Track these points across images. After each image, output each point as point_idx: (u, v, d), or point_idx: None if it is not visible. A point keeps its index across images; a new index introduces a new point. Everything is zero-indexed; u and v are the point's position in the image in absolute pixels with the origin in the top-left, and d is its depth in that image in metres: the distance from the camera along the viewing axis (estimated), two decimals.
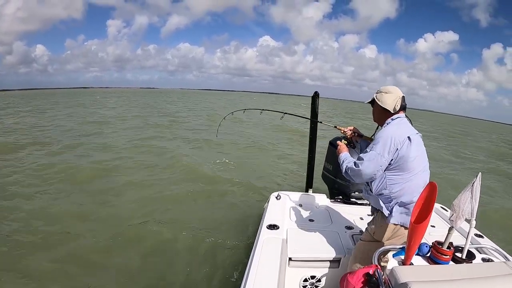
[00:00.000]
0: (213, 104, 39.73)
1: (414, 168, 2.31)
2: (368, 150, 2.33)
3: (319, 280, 2.93)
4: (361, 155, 2.35)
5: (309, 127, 4.54)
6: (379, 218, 2.50)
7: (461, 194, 2.02)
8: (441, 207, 3.99)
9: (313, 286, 2.96)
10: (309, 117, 4.32)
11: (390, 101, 2.43)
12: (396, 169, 2.32)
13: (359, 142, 2.93)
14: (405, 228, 2.37)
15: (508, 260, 2.45)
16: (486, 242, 3.11)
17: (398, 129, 2.34)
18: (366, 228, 2.67)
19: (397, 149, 2.26)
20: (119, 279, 3.95)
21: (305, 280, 2.93)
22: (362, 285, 1.95)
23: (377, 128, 2.63)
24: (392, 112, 2.42)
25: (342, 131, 2.99)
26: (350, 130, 2.96)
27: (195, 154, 10.77)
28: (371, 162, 2.27)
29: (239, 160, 10.19)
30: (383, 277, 1.91)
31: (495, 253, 2.64)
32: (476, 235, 3.26)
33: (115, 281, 3.90)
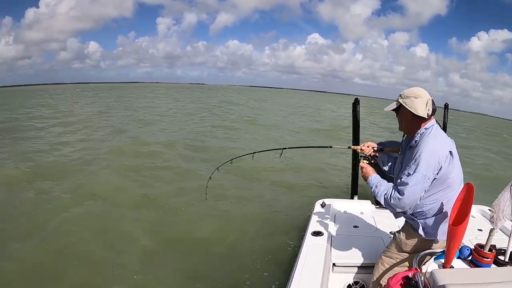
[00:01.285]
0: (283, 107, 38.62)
1: (452, 183, 2.14)
2: (410, 172, 2.04)
3: (362, 286, 2.94)
4: (404, 179, 2.05)
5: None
6: (409, 230, 2.34)
7: (500, 195, 2.00)
8: (489, 209, 3.83)
9: None
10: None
11: (422, 106, 2.12)
12: (433, 187, 2.11)
13: (380, 157, 2.62)
14: (436, 242, 2.24)
15: None
16: None
17: (438, 142, 2.10)
18: (394, 236, 2.51)
19: (441, 167, 2.05)
20: (168, 278, 4.15)
21: (349, 286, 2.94)
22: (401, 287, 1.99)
23: (403, 137, 2.40)
24: (426, 118, 2.13)
25: (359, 150, 2.67)
26: (368, 146, 2.61)
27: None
28: (417, 187, 2.01)
29: (288, 164, 10.33)
30: (422, 280, 1.93)
31: None
32: None
33: (161, 280, 4.12)
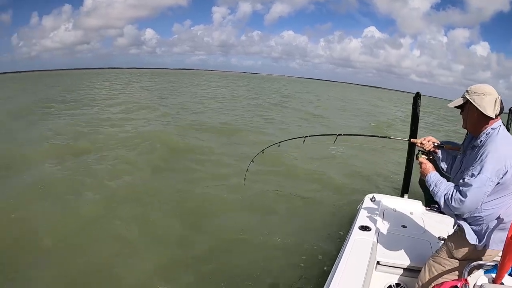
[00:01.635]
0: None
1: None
2: (474, 173, 1.92)
3: None
4: (467, 179, 1.94)
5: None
6: (462, 236, 2.19)
7: None
8: None
9: None
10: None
11: (490, 104, 1.99)
12: (495, 193, 1.97)
13: (440, 154, 2.50)
14: (489, 250, 2.11)
15: None
16: None
17: (508, 144, 1.97)
18: (444, 241, 2.39)
19: (507, 171, 1.91)
20: (219, 275, 4.17)
21: (390, 287, 2.88)
22: None
23: (466, 135, 2.27)
24: (494, 117, 2.01)
25: (419, 144, 2.54)
26: (428, 141, 2.49)
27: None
28: (481, 190, 1.89)
29: (339, 155, 10.31)
30: None
31: None
32: None
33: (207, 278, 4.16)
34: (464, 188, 1.92)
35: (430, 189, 2.17)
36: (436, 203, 3.83)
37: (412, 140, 2.74)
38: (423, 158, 2.38)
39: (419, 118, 4.25)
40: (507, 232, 1.84)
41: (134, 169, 7.76)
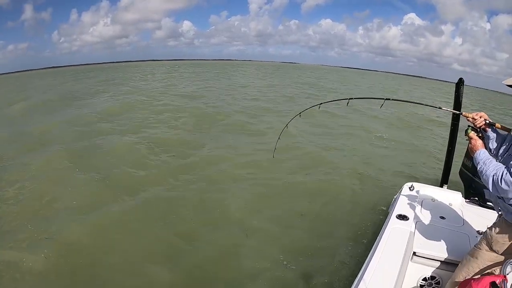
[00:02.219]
0: None
1: None
2: None
3: (438, 283, 2.85)
4: None
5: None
6: (504, 226, 2.16)
7: None
8: None
9: (432, 287, 2.86)
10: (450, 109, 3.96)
11: None
12: None
13: (489, 132, 2.37)
14: None
15: None
16: None
17: None
18: (484, 233, 2.33)
19: None
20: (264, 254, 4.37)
21: (424, 279, 2.87)
22: None
23: None
24: None
25: (470, 118, 2.39)
26: (480, 117, 2.35)
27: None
28: None
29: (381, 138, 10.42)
30: None
31: None
32: None
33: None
34: None
35: (478, 167, 2.08)
36: (476, 195, 3.74)
37: (464, 113, 2.52)
38: (473, 134, 2.29)
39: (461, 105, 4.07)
40: None
41: None
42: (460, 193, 3.91)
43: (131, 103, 15.58)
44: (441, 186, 4.33)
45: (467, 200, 3.84)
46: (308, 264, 4.12)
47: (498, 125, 2.35)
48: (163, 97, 17.78)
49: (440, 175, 4.56)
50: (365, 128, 12.03)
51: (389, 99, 2.92)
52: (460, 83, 3.98)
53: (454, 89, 4.06)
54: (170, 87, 22.63)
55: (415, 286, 2.88)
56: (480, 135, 2.34)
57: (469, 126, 2.38)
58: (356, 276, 2.46)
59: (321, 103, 3.40)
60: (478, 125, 2.35)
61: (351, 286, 2.32)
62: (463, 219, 3.34)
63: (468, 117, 2.41)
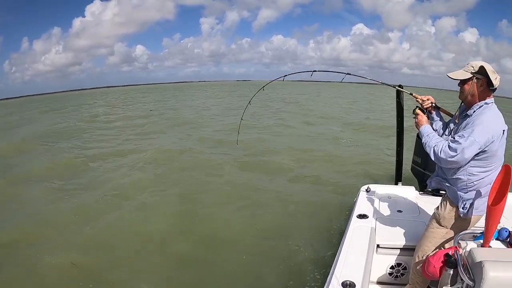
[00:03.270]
0: None
1: (495, 161, 2.23)
2: (465, 134, 2.14)
3: (405, 268, 3.04)
4: (457, 138, 2.16)
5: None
6: (448, 205, 2.44)
7: None
8: None
9: (399, 273, 3.07)
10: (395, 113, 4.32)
11: (495, 77, 2.21)
12: (480, 160, 2.21)
13: (434, 114, 2.67)
14: (473, 217, 2.35)
15: None
16: None
17: (497, 119, 2.22)
18: (433, 213, 2.60)
19: (493, 141, 2.15)
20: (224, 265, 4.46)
21: (392, 268, 3.07)
22: (441, 264, 2.11)
23: (461, 105, 2.46)
24: (494, 87, 2.25)
25: (419, 100, 2.69)
26: (428, 99, 2.65)
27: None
28: (468, 149, 2.10)
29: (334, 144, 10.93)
30: (462, 258, 2.03)
31: None
32: None
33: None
34: (453, 144, 2.14)
35: (422, 140, 2.38)
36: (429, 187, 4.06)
37: (413, 94, 2.82)
38: (419, 111, 2.55)
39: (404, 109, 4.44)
40: (487, 199, 2.08)
41: None
42: (413, 187, 4.20)
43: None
44: (396, 183, 4.61)
45: (421, 192, 4.12)
46: (277, 266, 4.32)
47: (442, 109, 2.69)
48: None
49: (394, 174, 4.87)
50: (324, 134, 12.82)
51: (349, 73, 3.27)
52: (399, 90, 4.33)
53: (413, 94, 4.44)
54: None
55: (385, 274, 3.06)
56: (426, 115, 2.60)
57: (417, 106, 2.65)
58: (327, 275, 2.61)
59: (285, 75, 3.61)
60: (425, 106, 2.63)
61: (323, 285, 2.41)
62: (419, 210, 3.60)
63: (417, 98, 2.71)
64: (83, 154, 10.99)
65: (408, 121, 4.29)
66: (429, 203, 3.71)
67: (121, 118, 21.05)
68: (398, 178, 4.65)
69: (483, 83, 2.23)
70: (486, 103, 2.25)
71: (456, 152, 2.12)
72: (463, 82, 2.32)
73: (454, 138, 2.19)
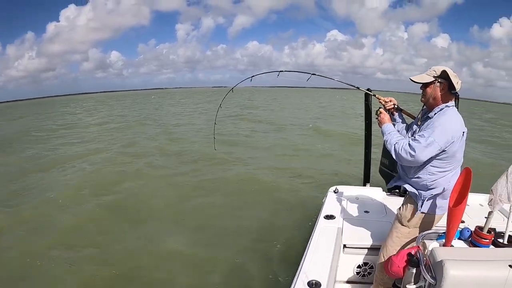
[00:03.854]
0: None
1: (454, 162, 2.34)
2: (425, 134, 2.22)
3: (371, 267, 3.12)
4: (418, 138, 2.24)
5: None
6: (409, 204, 2.54)
7: (498, 180, 2.12)
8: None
9: (366, 272, 3.15)
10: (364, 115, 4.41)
11: (457, 81, 2.30)
12: (440, 160, 2.29)
13: (397, 115, 2.77)
14: (433, 216, 2.46)
15: None
16: None
17: (457, 121, 2.30)
18: (396, 213, 2.69)
19: (453, 142, 2.23)
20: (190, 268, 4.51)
21: (359, 267, 3.14)
22: (405, 263, 2.17)
23: (423, 107, 2.55)
24: (456, 91, 2.33)
25: (382, 101, 2.80)
26: (391, 101, 2.76)
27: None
28: (427, 149, 2.19)
29: (300, 155, 10.81)
30: (425, 257, 2.09)
31: None
32: None
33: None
34: (414, 143, 2.22)
35: (384, 137, 2.46)
36: (397, 188, 4.18)
37: (377, 96, 2.95)
38: (384, 111, 2.63)
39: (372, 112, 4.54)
40: (449, 201, 2.16)
41: None
42: (381, 188, 4.30)
43: None
44: (364, 185, 4.73)
45: (388, 193, 4.22)
46: (246, 275, 4.34)
47: (404, 111, 2.80)
48: None
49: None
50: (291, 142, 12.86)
51: (314, 74, 3.37)
52: (367, 94, 4.45)
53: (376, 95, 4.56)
54: None
55: (352, 273, 3.13)
56: (389, 116, 2.67)
57: (380, 107, 2.75)
58: (294, 275, 2.67)
59: (253, 76, 3.66)
60: (388, 108, 2.73)
61: (290, 284, 2.44)
62: (385, 210, 3.70)
63: (380, 99, 2.81)
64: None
65: (376, 124, 4.41)
66: (396, 204, 3.78)
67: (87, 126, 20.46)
68: (366, 180, 4.76)
69: (444, 87, 2.32)
70: (447, 106, 2.34)
71: (416, 151, 2.19)
72: (425, 86, 2.40)
73: (414, 137, 2.28)
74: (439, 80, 2.32)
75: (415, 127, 2.57)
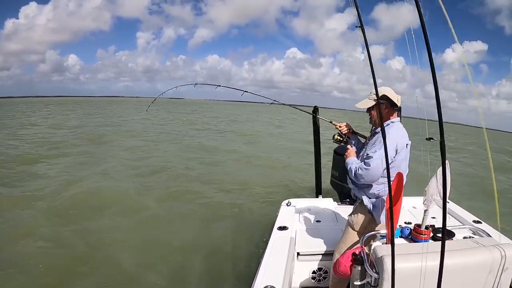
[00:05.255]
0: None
1: (402, 171, 2.51)
2: (376, 149, 2.44)
3: (326, 272, 3.27)
4: (369, 154, 2.46)
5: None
6: (359, 210, 2.76)
7: (430, 181, 2.36)
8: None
9: (322, 277, 3.29)
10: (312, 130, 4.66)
11: (395, 98, 2.56)
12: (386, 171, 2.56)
13: (352, 139, 3.03)
14: (379, 222, 2.68)
15: (489, 236, 2.65)
16: (482, 226, 3.38)
17: (400, 132, 2.54)
18: (347, 219, 2.90)
19: (399, 153, 2.48)
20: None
21: (314, 272, 3.28)
22: (350, 263, 2.32)
23: (372, 128, 2.79)
24: (397, 110, 2.59)
25: (338, 127, 3.06)
26: (346, 126, 3.03)
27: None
28: (380, 161, 2.40)
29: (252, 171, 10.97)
30: (369, 255, 2.26)
31: (482, 233, 2.83)
32: (475, 221, 3.56)
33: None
34: (367, 160, 2.45)
35: (347, 167, 2.64)
36: (348, 197, 4.41)
37: (332, 122, 3.18)
38: (350, 147, 2.81)
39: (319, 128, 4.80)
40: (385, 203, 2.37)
41: None
42: (332, 199, 4.51)
43: None
44: (317, 196, 4.96)
45: (339, 203, 4.44)
46: (204, 278, 4.48)
47: (358, 133, 3.05)
48: None
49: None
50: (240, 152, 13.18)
51: (247, 91, 3.76)
52: (315, 110, 4.67)
53: (333, 114, 4.82)
54: None
55: (308, 279, 3.26)
56: (345, 140, 3.02)
57: (336, 133, 3.04)
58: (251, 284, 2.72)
59: (196, 83, 3.96)
60: (343, 132, 3.01)
61: None
62: (337, 218, 3.89)
63: (336, 125, 3.08)
64: None
65: (324, 141, 4.67)
66: (347, 212, 4.01)
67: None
68: (318, 191, 4.98)
69: (387, 105, 2.59)
70: (392, 122, 2.59)
71: (371, 166, 2.42)
72: (369, 109, 2.66)
73: (367, 154, 2.50)
74: (380, 101, 2.56)
75: (366, 145, 2.80)
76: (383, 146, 2.31)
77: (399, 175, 2.35)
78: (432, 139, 1.45)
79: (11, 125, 22.39)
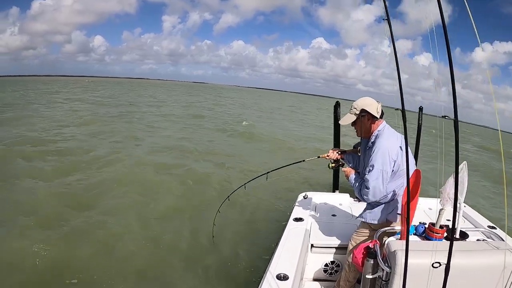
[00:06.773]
0: None
1: (403, 173, 2.52)
2: (370, 169, 2.50)
3: (338, 265, 3.32)
4: (366, 176, 2.53)
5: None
6: (374, 205, 2.78)
7: (447, 181, 2.36)
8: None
9: (333, 270, 3.35)
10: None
11: (374, 108, 2.60)
12: (392, 178, 2.57)
13: (345, 158, 3.16)
14: (394, 221, 2.71)
15: (502, 240, 2.68)
16: (496, 231, 3.31)
17: (390, 141, 2.54)
18: (362, 215, 2.93)
19: (395, 161, 2.52)
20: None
21: (326, 265, 3.34)
22: (362, 256, 2.37)
23: (361, 140, 2.90)
24: (378, 117, 2.62)
25: (327, 157, 3.20)
26: (333, 152, 3.18)
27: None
28: (378, 180, 2.47)
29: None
30: (382, 249, 2.29)
31: (495, 237, 2.81)
32: (489, 226, 3.51)
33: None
34: (365, 183, 2.52)
35: (352, 185, 2.77)
36: None
37: (321, 156, 3.30)
38: (346, 168, 2.94)
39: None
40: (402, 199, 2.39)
41: None
42: (348, 195, 4.52)
43: None
44: (333, 191, 4.99)
45: (355, 199, 4.44)
46: (221, 273, 4.56)
47: (348, 150, 3.18)
48: None
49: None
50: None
51: (269, 171, 3.93)
52: (337, 105, 4.71)
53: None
54: None
55: (320, 271, 3.33)
56: (340, 163, 3.17)
57: (328, 162, 3.22)
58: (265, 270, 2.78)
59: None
60: (334, 158, 3.16)
61: (260, 281, 2.58)
62: (352, 214, 3.91)
63: (324, 157, 3.22)
64: None
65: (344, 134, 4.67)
66: (362, 209, 4.06)
67: None
68: (335, 187, 5.00)
69: (369, 117, 2.64)
70: (379, 131, 2.62)
71: (370, 187, 2.49)
72: (353, 123, 2.74)
73: (364, 176, 2.56)
74: (361, 114, 2.64)
75: (362, 158, 2.87)
76: (376, 163, 2.49)
77: (417, 172, 2.37)
78: (447, 116, 1.47)
79: None
